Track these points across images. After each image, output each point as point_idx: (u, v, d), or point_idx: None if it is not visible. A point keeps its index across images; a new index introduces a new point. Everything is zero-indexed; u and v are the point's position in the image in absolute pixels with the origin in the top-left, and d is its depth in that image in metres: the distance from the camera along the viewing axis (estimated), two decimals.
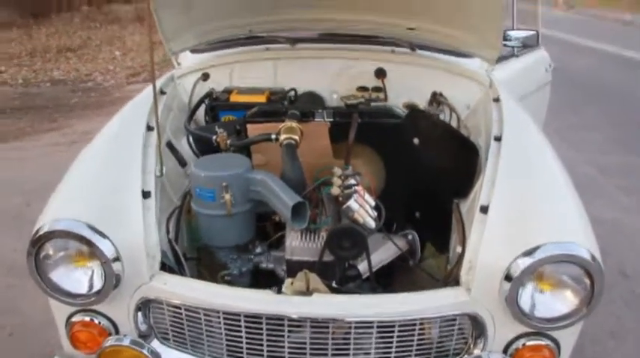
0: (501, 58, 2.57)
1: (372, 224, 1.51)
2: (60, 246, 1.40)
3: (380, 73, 2.27)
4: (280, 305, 1.37)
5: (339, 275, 1.53)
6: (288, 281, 1.40)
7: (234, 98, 2.15)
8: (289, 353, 1.40)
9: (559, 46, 8.81)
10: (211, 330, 1.45)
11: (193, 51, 2.51)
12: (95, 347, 1.45)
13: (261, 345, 1.40)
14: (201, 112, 2.21)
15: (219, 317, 1.41)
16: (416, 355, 1.42)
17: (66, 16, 13.85)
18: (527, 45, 2.69)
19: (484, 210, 1.47)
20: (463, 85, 2.28)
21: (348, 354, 1.40)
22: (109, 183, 1.55)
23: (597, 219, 1.63)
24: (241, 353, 1.44)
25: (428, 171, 1.81)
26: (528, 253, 1.32)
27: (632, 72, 7.77)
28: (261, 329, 1.39)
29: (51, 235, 1.37)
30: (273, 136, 1.68)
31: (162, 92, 2.15)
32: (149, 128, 1.81)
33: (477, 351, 1.42)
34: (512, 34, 2.62)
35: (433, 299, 1.41)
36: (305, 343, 1.38)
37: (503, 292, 1.34)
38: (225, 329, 1.41)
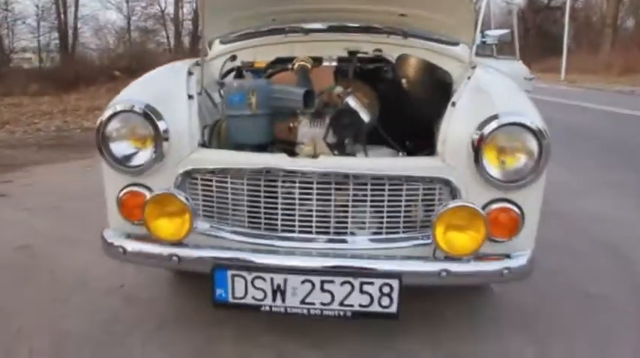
0: (481, 55, 3.06)
1: (367, 118, 1.90)
2: (123, 121, 1.80)
3: (377, 51, 2.74)
4: (293, 163, 1.73)
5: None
6: (299, 147, 1.77)
7: (258, 64, 2.62)
8: (300, 204, 1.75)
9: (564, 109, 10.56)
10: (236, 198, 1.80)
11: (222, 42, 3.02)
12: (140, 214, 1.78)
13: (276, 200, 1.75)
14: None
15: (242, 183, 1.78)
16: (405, 212, 1.76)
17: (92, 88, 14.95)
18: (503, 41, 3.18)
19: (453, 104, 1.87)
20: (449, 64, 2.73)
21: (347, 205, 1.74)
22: (162, 89, 1.98)
23: None
24: (259, 214, 1.79)
25: (414, 105, 2.21)
26: (488, 121, 1.69)
27: (623, 123, 8.49)
28: (277, 186, 1.75)
29: (119, 112, 1.79)
30: (289, 66, 2.12)
31: (190, 73, 2.59)
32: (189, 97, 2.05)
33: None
34: (489, 32, 3.12)
35: (414, 162, 1.77)
36: (312, 194, 1.73)
37: (469, 156, 1.70)
38: (248, 188, 1.77)
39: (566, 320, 2.16)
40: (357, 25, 2.88)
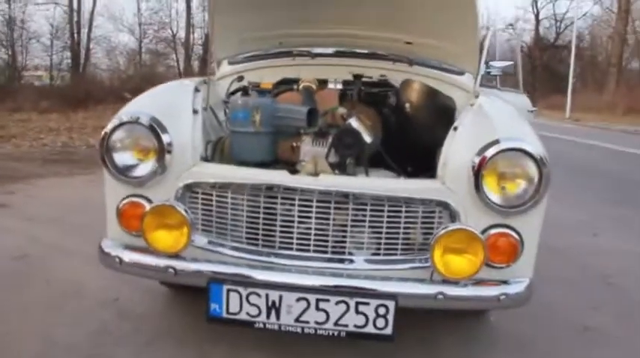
0: (485, 86, 3.09)
1: (369, 139, 1.92)
2: (128, 132, 1.82)
3: (382, 76, 2.78)
4: (294, 180, 1.74)
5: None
6: (300, 164, 1.78)
7: (264, 85, 2.66)
8: (299, 221, 1.75)
9: (570, 145, 10.90)
10: (235, 213, 1.80)
11: (230, 62, 3.07)
12: (139, 224, 1.75)
13: (275, 217, 1.76)
14: None
15: (243, 199, 1.79)
16: (403, 234, 1.75)
17: (100, 108, 15.13)
18: (507, 72, 3.22)
19: (455, 129, 1.88)
20: (453, 92, 2.76)
21: (346, 223, 1.74)
22: (168, 102, 2.00)
23: None
24: (257, 230, 1.79)
25: (417, 130, 2.23)
26: (488, 146, 1.70)
27: (623, 159, 8.64)
28: (276, 203, 1.75)
29: (124, 122, 1.81)
30: (295, 87, 2.15)
31: (197, 90, 2.62)
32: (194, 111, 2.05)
33: None
34: (493, 63, 3.16)
35: (414, 185, 1.77)
36: (311, 212, 1.73)
37: (469, 180, 1.71)
38: (248, 204, 1.77)
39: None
40: (363, 51, 2.93)
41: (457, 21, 2.44)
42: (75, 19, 22.19)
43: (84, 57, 22.57)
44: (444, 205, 1.74)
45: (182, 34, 26.15)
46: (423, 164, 2.08)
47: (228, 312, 1.71)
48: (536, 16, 31.29)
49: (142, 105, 1.92)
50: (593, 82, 29.36)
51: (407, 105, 2.26)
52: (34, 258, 2.93)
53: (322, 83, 2.34)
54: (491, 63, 3.17)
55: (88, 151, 7.62)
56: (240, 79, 2.89)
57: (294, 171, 1.78)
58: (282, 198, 1.75)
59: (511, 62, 3.18)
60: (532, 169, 1.69)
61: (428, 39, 2.71)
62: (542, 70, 31.72)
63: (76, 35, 22.32)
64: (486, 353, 2.09)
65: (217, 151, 2.07)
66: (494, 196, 1.70)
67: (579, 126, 17.59)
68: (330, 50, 2.99)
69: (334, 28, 2.78)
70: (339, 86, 2.35)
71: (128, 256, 1.81)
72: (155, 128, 1.79)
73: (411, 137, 2.18)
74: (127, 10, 39.44)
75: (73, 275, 2.68)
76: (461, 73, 2.87)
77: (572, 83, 24.26)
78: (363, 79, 2.41)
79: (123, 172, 1.81)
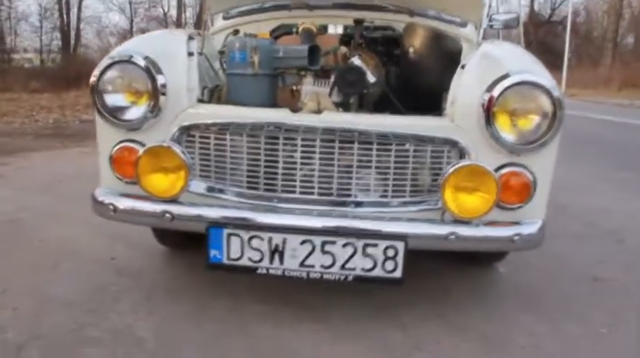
0: (488, 37, 2.99)
1: (372, 78, 1.82)
2: (120, 72, 1.71)
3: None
4: (296, 118, 1.65)
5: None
6: (302, 101, 1.69)
7: (261, 35, 2.54)
8: (302, 163, 1.66)
9: (568, 118, 10.02)
10: (235, 156, 1.72)
11: (224, 17, 2.95)
12: (134, 171, 1.65)
13: (277, 158, 1.67)
14: None
15: (242, 140, 1.69)
16: (412, 175, 1.67)
17: None
18: (509, 26, 3.12)
19: (462, 67, 1.79)
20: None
21: (352, 164, 1.66)
22: (162, 45, 1.89)
23: None
24: (258, 174, 1.71)
25: (422, 74, 2.14)
26: (498, 81, 1.60)
27: (618, 128, 8.70)
28: (278, 144, 1.66)
29: (117, 61, 1.70)
30: (294, 30, 2.05)
31: (191, 38, 2.52)
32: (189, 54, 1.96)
33: None
34: (496, 16, 3.06)
35: (422, 121, 1.68)
36: (314, 153, 1.65)
37: (480, 117, 1.62)
38: (248, 146, 1.69)
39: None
40: (362, 2, 2.82)
41: None
42: None
43: (74, 37, 22.20)
44: (453, 143, 1.66)
45: (173, 12, 25.78)
46: (430, 108, 2.00)
47: (229, 258, 1.63)
48: None
49: (134, 46, 1.81)
50: (588, 57, 29.16)
51: (410, 49, 2.17)
52: (27, 221, 2.85)
53: (322, 29, 2.24)
54: (493, 15, 3.06)
55: (80, 126, 7.50)
56: (236, 32, 2.77)
57: (296, 110, 1.69)
58: (284, 138, 1.66)
59: (515, 14, 3.08)
60: (545, 103, 1.60)
61: None
62: (538, 45, 31.39)
63: (65, 16, 21.92)
64: (498, 302, 2.02)
65: (214, 98, 1.98)
66: (506, 133, 1.62)
67: (576, 101, 17.48)
68: (328, 2, 2.88)
69: None
70: (340, 30, 2.24)
71: (123, 203, 1.72)
72: (149, 68, 1.69)
73: (416, 81, 2.09)
74: None
75: (67, 237, 2.60)
76: (463, 25, 2.77)
77: (567, 59, 24.07)
78: (365, 24, 2.30)
79: (115, 115, 1.72)
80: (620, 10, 27.03)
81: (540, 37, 29.57)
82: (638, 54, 25.06)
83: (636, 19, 27.75)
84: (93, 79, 1.71)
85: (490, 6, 3.42)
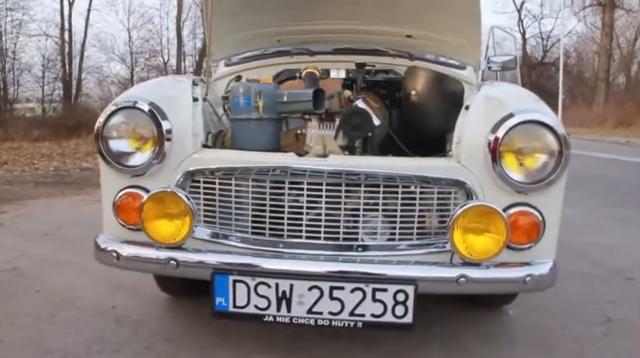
0: (486, 79, 3.04)
1: (377, 121, 1.83)
2: (125, 118, 1.71)
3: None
4: (302, 161, 1.64)
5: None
6: (308, 145, 1.68)
7: (264, 81, 2.57)
8: (308, 207, 1.64)
9: None
10: (240, 201, 1.70)
11: (227, 64, 3.00)
12: (137, 217, 1.64)
13: (283, 203, 1.65)
14: None
15: (247, 185, 1.68)
16: (419, 218, 1.65)
17: (93, 135, 14.97)
18: (507, 67, 3.17)
19: (467, 108, 1.80)
20: None
21: (358, 208, 1.64)
22: (166, 91, 1.90)
23: None
24: (264, 219, 1.68)
25: (425, 118, 2.15)
26: (503, 120, 1.61)
27: (621, 166, 8.82)
28: (283, 188, 1.65)
29: (121, 107, 1.71)
30: (297, 74, 2.07)
31: (195, 84, 2.55)
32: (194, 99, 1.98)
33: None
34: (494, 58, 3.12)
35: (428, 163, 1.68)
36: (321, 196, 1.63)
37: (486, 158, 1.61)
38: (253, 191, 1.67)
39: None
40: (363, 47, 2.87)
41: (458, 13, 2.39)
42: (66, 49, 22.24)
43: (75, 87, 22.55)
44: (460, 184, 1.64)
45: (173, 61, 26.28)
46: (434, 150, 2.00)
47: (235, 306, 1.59)
48: (523, 34, 31.68)
49: (138, 92, 1.82)
50: (581, 97, 29.64)
51: (413, 92, 2.18)
52: (25, 270, 2.79)
53: (325, 74, 2.27)
54: (491, 58, 3.12)
55: (80, 173, 7.50)
56: (239, 78, 2.82)
57: (301, 154, 1.68)
58: (290, 182, 1.65)
59: (512, 56, 3.14)
60: (551, 141, 1.59)
61: (429, 32, 2.65)
62: (531, 87, 31.92)
63: (67, 66, 22.34)
64: (509, 347, 1.96)
65: (218, 144, 1.97)
66: (513, 173, 1.61)
67: (573, 139, 17.62)
68: (329, 47, 2.93)
69: (332, 24, 2.72)
70: (342, 74, 2.27)
71: (126, 250, 1.69)
72: (154, 113, 1.69)
73: (420, 123, 2.09)
74: (118, 40, 39.83)
75: (66, 285, 2.55)
76: (462, 67, 2.82)
77: (561, 99, 24.46)
78: (367, 68, 2.33)
79: (120, 161, 1.71)
80: (610, 51, 27.64)
81: (533, 79, 30.12)
82: (630, 93, 25.47)
83: (625, 60, 28.37)
84: (98, 124, 1.71)
85: (487, 48, 3.51)
